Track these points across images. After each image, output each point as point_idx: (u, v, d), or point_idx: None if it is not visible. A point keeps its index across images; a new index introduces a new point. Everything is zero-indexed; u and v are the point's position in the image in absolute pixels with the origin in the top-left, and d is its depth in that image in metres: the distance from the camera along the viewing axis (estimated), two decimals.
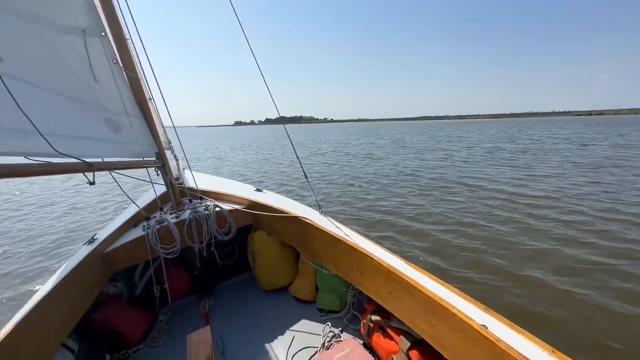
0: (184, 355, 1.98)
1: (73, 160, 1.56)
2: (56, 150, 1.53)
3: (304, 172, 2.42)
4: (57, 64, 1.79)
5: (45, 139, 1.50)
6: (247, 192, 2.79)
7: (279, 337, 2.02)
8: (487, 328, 1.09)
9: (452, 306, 1.20)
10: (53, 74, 1.76)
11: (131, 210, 2.53)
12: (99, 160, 1.77)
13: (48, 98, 1.70)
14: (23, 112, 1.41)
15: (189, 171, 3.13)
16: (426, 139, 28.36)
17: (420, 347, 1.46)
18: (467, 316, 1.15)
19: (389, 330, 1.61)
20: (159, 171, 2.46)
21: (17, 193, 9.20)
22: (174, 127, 2.55)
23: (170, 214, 2.41)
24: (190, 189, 2.69)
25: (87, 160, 1.60)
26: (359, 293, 2.08)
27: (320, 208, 2.40)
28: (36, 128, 1.47)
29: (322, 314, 2.17)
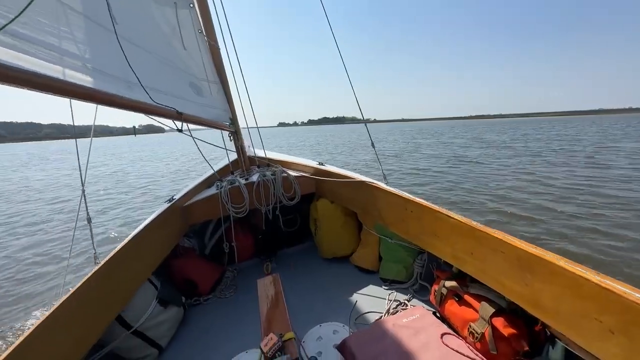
0: (247, 308, 2.07)
1: (167, 108, 1.71)
2: (152, 100, 1.69)
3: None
4: (155, 31, 1.98)
5: (145, 90, 1.67)
6: (311, 162, 2.83)
7: (341, 302, 1.99)
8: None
9: (558, 257, 1.05)
10: (152, 39, 1.94)
11: (206, 174, 2.73)
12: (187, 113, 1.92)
13: (148, 58, 1.89)
14: (130, 67, 1.57)
15: (251, 146, 3.27)
16: (518, 137, 24.83)
17: (506, 314, 1.32)
18: (577, 269, 0.99)
19: (466, 297, 1.48)
20: (231, 137, 2.61)
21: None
22: (249, 100, 2.67)
23: (240, 177, 2.54)
24: (259, 156, 2.81)
25: (178, 109, 1.74)
26: (429, 261, 1.96)
27: (385, 178, 2.33)
28: (139, 81, 1.63)
29: (385, 284, 2.09)
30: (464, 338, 1.41)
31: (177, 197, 2.45)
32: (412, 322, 1.47)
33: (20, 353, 0.99)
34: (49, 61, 1.03)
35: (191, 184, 2.71)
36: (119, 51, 1.50)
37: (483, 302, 1.39)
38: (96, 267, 1.51)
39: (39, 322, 1.09)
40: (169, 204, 2.29)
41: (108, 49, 1.47)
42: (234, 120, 2.57)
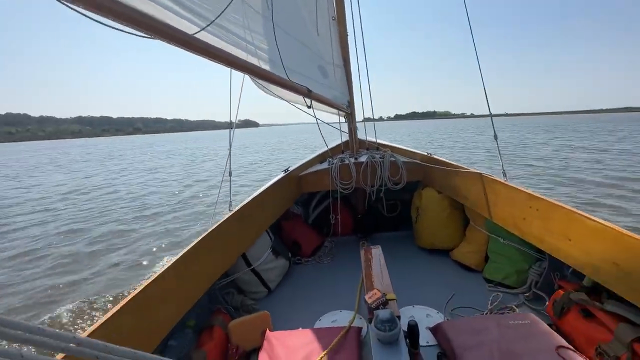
0: (343, 275, 2.22)
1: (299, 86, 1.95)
2: (289, 79, 1.95)
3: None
4: (297, 16, 2.24)
5: (284, 69, 1.93)
6: (420, 151, 2.79)
7: (436, 291, 1.95)
8: None
9: None
10: (293, 23, 2.21)
11: (320, 151, 3.00)
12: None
13: (289, 41, 2.17)
14: (277, 49, 1.84)
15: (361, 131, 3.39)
16: None
17: None
18: None
19: (599, 315, 1.28)
20: (346, 118, 2.78)
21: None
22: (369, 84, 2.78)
23: (350, 157, 2.69)
24: (369, 140, 2.92)
25: (310, 87, 1.96)
26: (550, 269, 1.74)
27: (505, 175, 2.13)
28: (282, 61, 1.90)
29: (490, 285, 1.95)
30: (589, 358, 1.23)
31: (292, 168, 2.77)
32: (521, 326, 1.36)
33: (183, 263, 1.36)
34: (234, 44, 1.32)
35: (306, 158, 3.02)
36: (272, 34, 1.77)
37: (623, 324, 1.18)
38: (230, 213, 1.88)
39: (192, 244, 1.46)
40: (285, 174, 2.61)
41: (264, 33, 1.76)
42: (350, 102, 2.73)
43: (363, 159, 2.56)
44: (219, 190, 2.14)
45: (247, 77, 2.36)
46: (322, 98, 2.22)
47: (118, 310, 1.02)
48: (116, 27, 0.83)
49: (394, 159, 2.51)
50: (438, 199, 2.37)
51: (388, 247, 2.69)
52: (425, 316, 1.69)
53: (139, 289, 1.16)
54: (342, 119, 2.94)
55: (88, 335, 0.91)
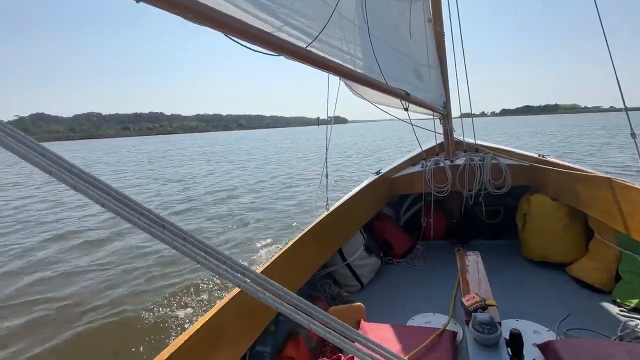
0: (435, 280, 2.19)
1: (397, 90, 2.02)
2: (387, 83, 2.04)
3: None
4: (390, 24, 2.31)
5: (383, 75, 2.03)
6: (529, 153, 2.52)
7: (546, 307, 1.76)
8: None
9: None
10: (387, 31, 2.29)
11: (412, 153, 2.99)
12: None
13: (384, 48, 2.26)
14: (375, 58, 1.95)
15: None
16: None
17: None
18: None
19: None
20: (441, 120, 2.71)
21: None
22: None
23: (445, 159, 2.62)
24: (467, 141, 2.78)
25: (407, 90, 2.02)
26: None
27: None
28: (380, 68, 2.01)
29: (621, 310, 1.66)
30: None
31: (383, 170, 2.84)
32: None
33: (293, 251, 1.58)
34: (335, 55, 1.49)
35: (398, 160, 3.05)
36: (369, 44, 1.90)
37: None
38: (327, 212, 2.07)
39: (297, 237, 1.68)
40: (377, 176, 2.70)
41: (361, 43, 1.89)
42: (447, 104, 2.65)
43: (460, 161, 2.46)
44: (319, 190, 2.37)
45: (340, 80, 2.55)
46: (418, 101, 2.24)
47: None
48: (248, 46, 1.09)
49: (495, 162, 2.34)
50: (552, 206, 2.11)
51: (487, 255, 2.50)
52: (532, 332, 1.56)
53: (259, 268, 1.42)
54: (435, 120, 2.88)
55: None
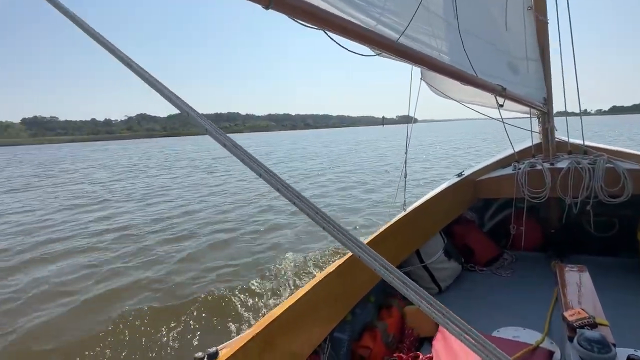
0: (525, 293, 1.98)
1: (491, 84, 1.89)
2: (478, 77, 1.92)
3: None
4: (484, 17, 2.17)
5: (474, 70, 1.92)
6: None
7: None
8: None
9: None
10: (480, 25, 2.16)
11: (502, 154, 2.75)
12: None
13: (475, 42, 2.13)
14: (465, 53, 1.86)
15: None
16: None
17: None
18: None
19: None
20: (539, 118, 2.43)
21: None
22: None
23: (544, 161, 2.34)
24: (573, 142, 2.44)
25: (503, 85, 1.88)
26: None
27: None
28: (471, 64, 1.90)
29: None
30: None
31: (466, 172, 2.67)
32: None
33: (372, 246, 1.61)
34: (422, 50, 1.48)
35: (484, 162, 2.83)
36: (458, 39, 1.82)
37: None
38: (406, 212, 2.04)
39: (376, 233, 1.70)
40: (459, 178, 2.55)
41: (450, 38, 1.82)
42: (548, 99, 2.36)
43: (562, 164, 2.17)
44: (397, 189, 2.35)
45: (421, 79, 2.47)
46: (515, 96, 2.06)
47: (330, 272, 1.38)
48: (345, 47, 1.16)
49: (611, 165, 2.00)
50: None
51: (596, 273, 2.16)
52: None
53: (342, 259, 1.49)
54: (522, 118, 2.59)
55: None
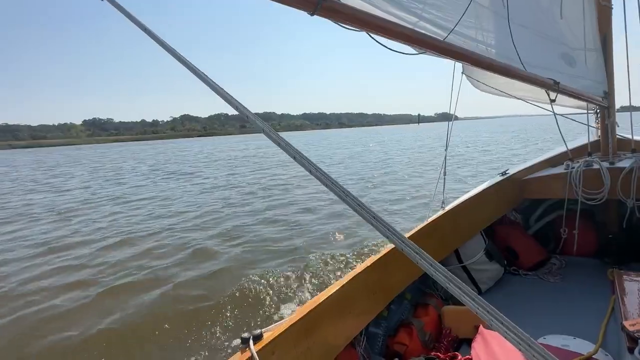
0: (577, 301, 1.85)
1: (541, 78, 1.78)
2: (527, 71, 1.82)
3: None
4: (534, 4, 2.04)
5: (522, 64, 1.82)
6: None
7: None
8: None
9: None
10: (530, 15, 2.03)
11: (552, 153, 2.57)
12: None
13: (524, 33, 2.01)
14: (513, 45, 1.77)
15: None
16: None
17: None
18: None
19: None
20: (597, 113, 2.24)
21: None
22: None
23: (602, 160, 2.16)
24: (637, 140, 2.22)
25: (555, 79, 1.76)
26: None
27: None
28: (518, 56, 1.81)
29: None
30: None
31: (511, 171, 2.53)
32: None
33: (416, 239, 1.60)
34: (469, 45, 1.43)
35: (532, 160, 2.67)
36: (506, 31, 1.73)
37: None
38: (445, 210, 1.99)
39: (414, 230, 1.69)
40: (502, 177, 2.43)
41: (498, 30, 1.74)
42: (609, 93, 2.16)
43: (625, 163, 1.99)
44: (436, 187, 2.30)
45: (462, 75, 2.37)
46: (570, 90, 1.92)
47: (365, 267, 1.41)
48: (388, 47, 1.16)
49: None
50: None
51: None
52: None
53: (378, 255, 1.51)
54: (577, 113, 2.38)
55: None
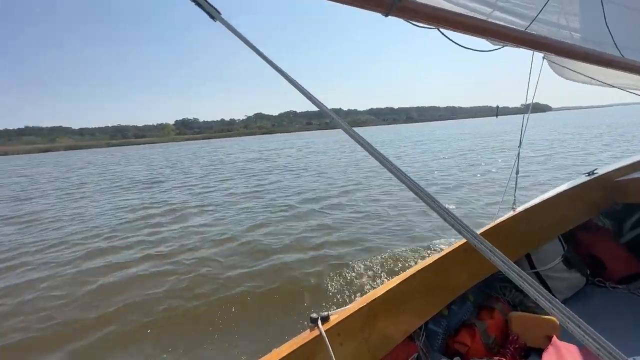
0: None
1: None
2: (624, 57, 1.60)
3: None
4: None
5: (617, 48, 1.61)
6: None
7: None
8: None
9: None
10: None
11: None
12: None
13: (620, 12, 1.76)
14: (607, 27, 1.56)
15: None
16: None
17: None
18: None
19: None
20: None
21: None
22: None
23: None
24: None
25: None
26: None
27: None
28: (613, 40, 1.59)
29: None
30: None
31: (600, 171, 2.24)
32: None
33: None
34: (552, 34, 1.32)
35: (625, 160, 2.33)
36: (597, 11, 1.54)
37: None
38: (516, 211, 1.86)
39: (481, 231, 1.62)
40: (589, 177, 2.17)
41: (586, 12, 1.56)
42: None
43: None
44: (506, 186, 2.15)
45: (543, 60, 2.14)
46: None
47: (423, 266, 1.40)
48: (462, 45, 1.13)
49: None
50: None
51: None
52: None
53: (440, 254, 1.49)
54: None
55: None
